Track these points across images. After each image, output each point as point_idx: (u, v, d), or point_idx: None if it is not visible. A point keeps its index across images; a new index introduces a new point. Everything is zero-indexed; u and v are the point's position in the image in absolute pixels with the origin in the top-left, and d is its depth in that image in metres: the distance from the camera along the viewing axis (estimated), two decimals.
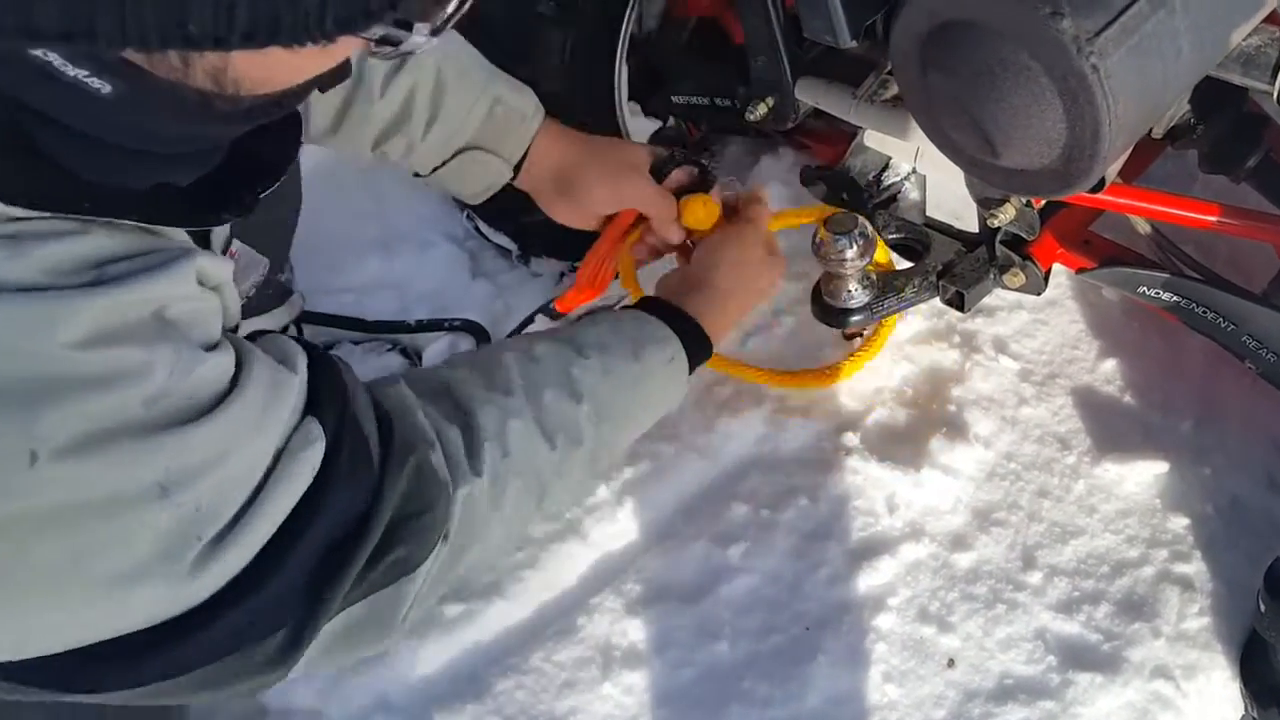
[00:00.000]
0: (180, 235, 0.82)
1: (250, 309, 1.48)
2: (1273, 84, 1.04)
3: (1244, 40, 1.04)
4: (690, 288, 1.28)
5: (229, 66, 0.65)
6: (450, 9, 0.67)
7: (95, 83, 0.64)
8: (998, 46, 0.90)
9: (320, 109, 1.22)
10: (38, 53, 0.62)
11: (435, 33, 0.67)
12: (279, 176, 0.85)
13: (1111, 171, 1.16)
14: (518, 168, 1.33)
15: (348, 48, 0.67)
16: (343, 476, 0.85)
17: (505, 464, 1.03)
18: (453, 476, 0.98)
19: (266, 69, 0.67)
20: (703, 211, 1.34)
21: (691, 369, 1.23)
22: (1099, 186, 1.14)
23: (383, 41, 0.65)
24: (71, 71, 0.63)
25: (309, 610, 0.84)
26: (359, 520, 0.87)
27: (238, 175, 0.82)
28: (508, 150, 1.31)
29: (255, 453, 0.80)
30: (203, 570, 0.76)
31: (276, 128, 0.82)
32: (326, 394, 0.87)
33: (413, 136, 1.26)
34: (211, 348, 0.80)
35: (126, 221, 0.74)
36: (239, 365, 0.81)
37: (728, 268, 1.29)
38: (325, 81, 0.75)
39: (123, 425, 0.71)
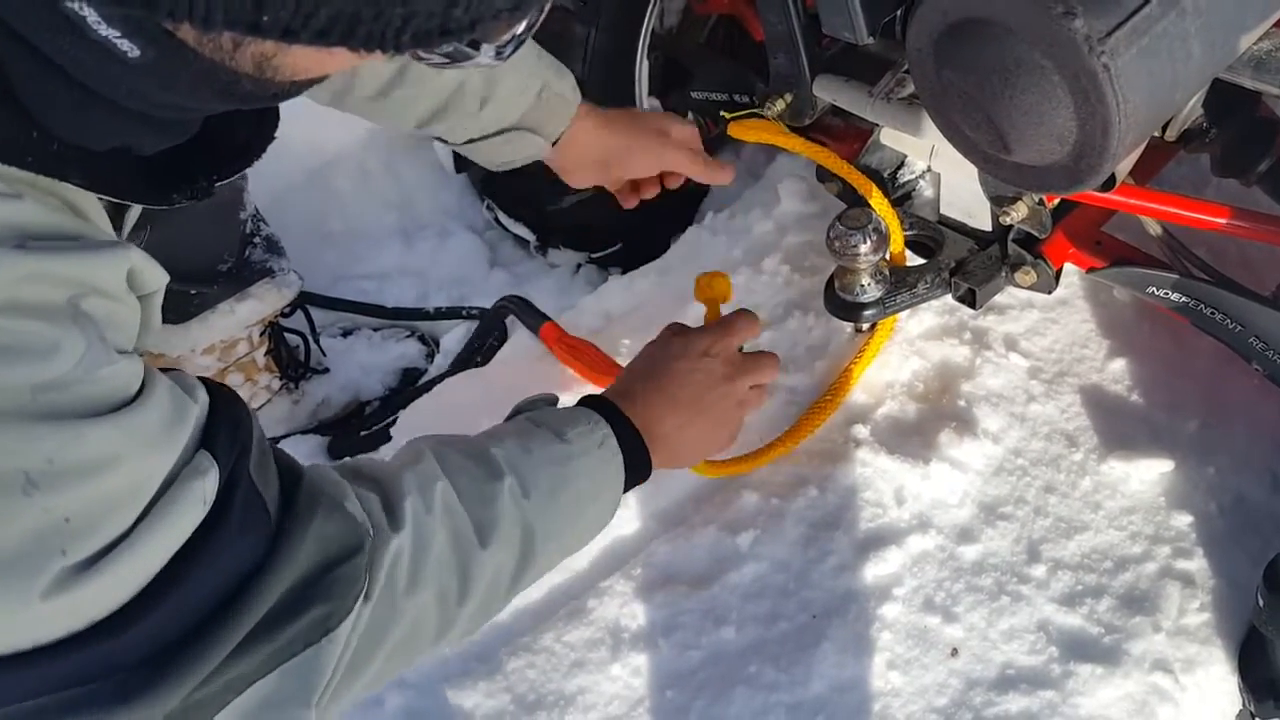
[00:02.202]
0: (105, 227, 0.76)
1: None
2: None
3: (1255, 44, 1.06)
4: (626, 385, 1.22)
5: (278, 55, 0.62)
6: (519, 31, 0.65)
7: (124, 45, 0.60)
8: (1011, 45, 0.92)
9: (367, 77, 1.19)
10: (72, 4, 0.58)
11: (499, 54, 0.66)
12: (243, 167, 0.80)
13: (1122, 170, 1.19)
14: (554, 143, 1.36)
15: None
16: (236, 522, 0.77)
17: (428, 520, 0.94)
18: (372, 533, 0.90)
19: (317, 63, 0.64)
20: (721, 285, 1.38)
21: (630, 472, 1.13)
22: (1109, 185, 1.17)
23: (446, 55, 0.64)
24: (103, 31, 0.59)
25: (177, 661, 0.75)
26: (253, 573, 0.79)
27: (199, 156, 0.77)
28: (548, 130, 1.33)
29: (145, 472, 0.71)
30: (60, 593, 0.67)
31: (255, 116, 0.79)
32: (225, 430, 0.79)
33: (462, 116, 1.27)
34: (122, 355, 0.73)
35: (68, 185, 0.68)
36: (143, 381, 0.74)
37: (676, 373, 1.21)
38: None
39: (5, 407, 0.64)
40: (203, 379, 0.81)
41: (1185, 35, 0.90)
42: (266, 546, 0.80)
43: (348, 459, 1.03)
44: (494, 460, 1.03)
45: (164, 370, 0.80)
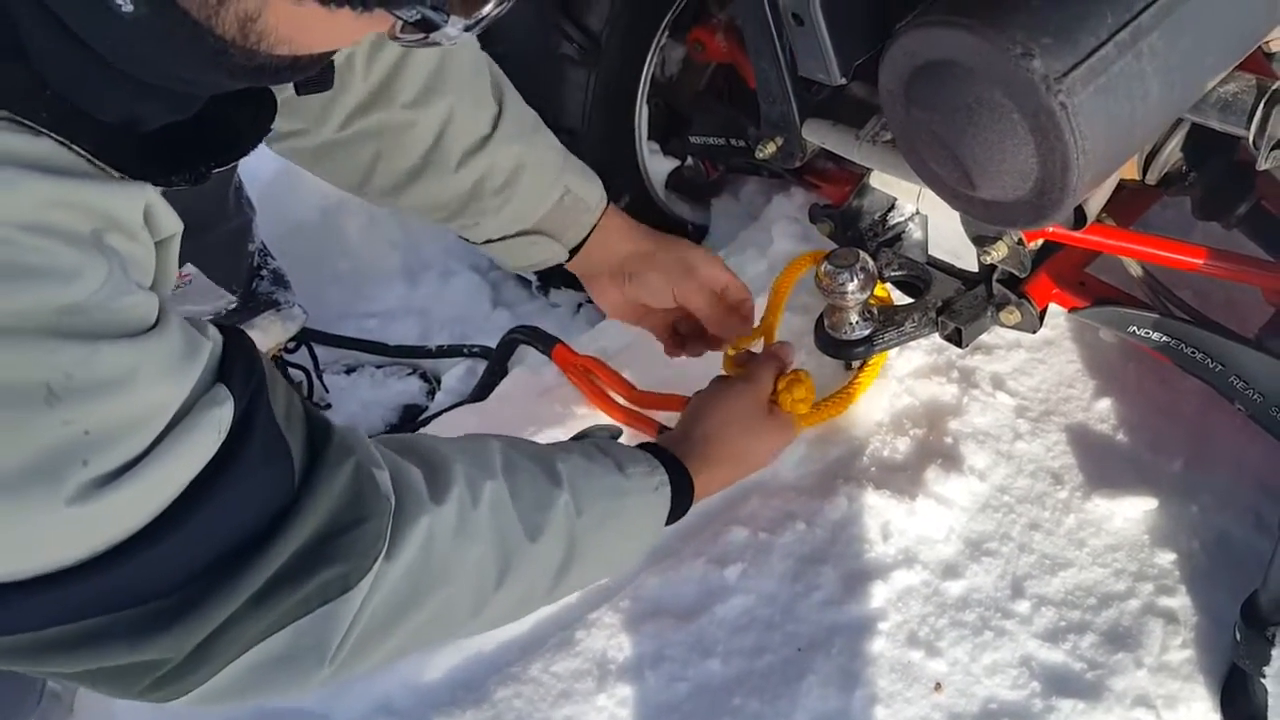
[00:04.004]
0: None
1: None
2: (1248, 129, 1.09)
3: (1221, 87, 1.09)
4: (683, 440, 1.28)
5: (262, 16, 0.65)
6: (487, 8, 0.68)
7: None
8: (973, 85, 0.95)
9: (386, 173, 1.22)
10: None
11: (469, 29, 0.69)
12: (240, 155, 0.83)
13: (1093, 209, 1.21)
14: (574, 250, 1.36)
15: (379, 22, 0.67)
16: (255, 454, 0.79)
17: (474, 515, 0.97)
18: (407, 502, 0.92)
19: (297, 27, 0.66)
20: (802, 391, 1.39)
21: (671, 517, 1.20)
22: (1080, 223, 1.19)
23: (415, 25, 0.67)
24: None
25: (200, 597, 0.77)
26: (276, 515, 0.82)
27: (198, 141, 0.80)
28: (568, 237, 1.34)
29: (160, 396, 0.74)
30: (84, 503, 0.69)
31: (251, 104, 0.82)
32: (241, 367, 0.81)
33: (481, 214, 1.27)
34: (140, 289, 0.75)
35: (76, 148, 0.71)
36: (159, 316, 0.76)
37: (725, 428, 1.29)
38: (313, 79, 0.75)
39: (30, 324, 0.67)
40: (216, 323, 0.84)
41: (1143, 75, 0.93)
42: (289, 489, 0.83)
43: (402, 434, 1.05)
44: (556, 470, 1.07)
45: None
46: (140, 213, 0.76)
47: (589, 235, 1.34)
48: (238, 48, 0.67)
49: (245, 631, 0.81)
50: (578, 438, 1.25)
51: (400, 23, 0.67)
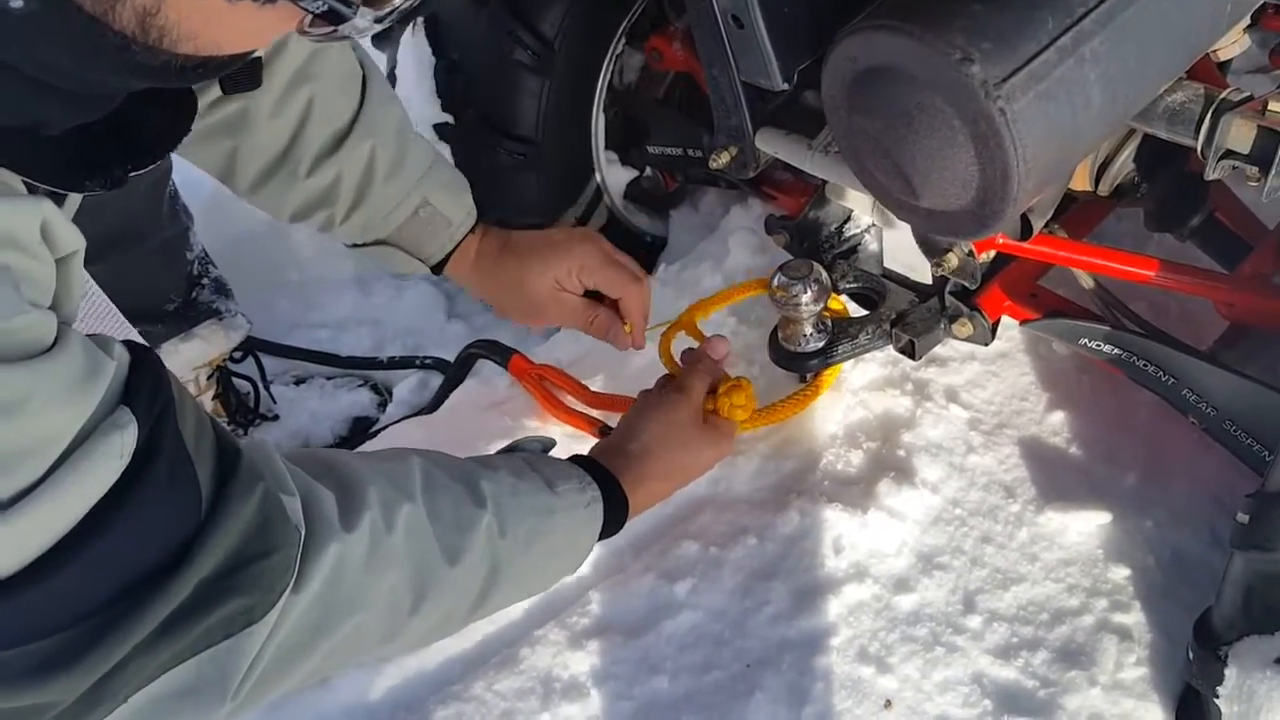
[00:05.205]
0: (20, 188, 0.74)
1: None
2: (1196, 139, 1.08)
3: (1169, 96, 1.07)
4: (618, 454, 1.25)
5: (161, 10, 0.62)
6: (397, 1, 0.66)
7: None
8: (914, 91, 0.93)
9: (245, 169, 1.21)
10: None
11: (379, 20, 0.66)
12: (157, 158, 0.80)
13: (1039, 220, 1.20)
14: (441, 265, 1.34)
15: (285, 18, 0.65)
16: (160, 480, 0.76)
17: (388, 541, 0.94)
18: (317, 530, 0.89)
19: (200, 21, 0.64)
20: (742, 398, 1.37)
21: (604, 531, 1.18)
22: (1026, 234, 1.18)
23: (323, 17, 0.64)
24: None
25: (101, 631, 0.74)
26: (181, 545, 0.78)
27: (113, 145, 0.77)
28: (426, 252, 1.31)
29: (58, 421, 0.71)
30: None
31: (170, 106, 0.79)
32: (147, 388, 0.77)
33: (333, 219, 1.26)
34: (35, 308, 0.72)
35: None
36: (57, 337, 0.73)
37: (660, 441, 1.27)
38: (235, 76, 0.73)
39: None
40: (127, 343, 0.80)
41: (1084, 82, 0.92)
42: (195, 518, 0.79)
43: (323, 449, 1.02)
44: (480, 490, 1.04)
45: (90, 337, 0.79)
46: (36, 229, 0.72)
47: (454, 251, 1.32)
48: (139, 44, 0.64)
49: (145, 666, 0.78)
50: (507, 450, 1.22)
51: (309, 17, 0.65)
